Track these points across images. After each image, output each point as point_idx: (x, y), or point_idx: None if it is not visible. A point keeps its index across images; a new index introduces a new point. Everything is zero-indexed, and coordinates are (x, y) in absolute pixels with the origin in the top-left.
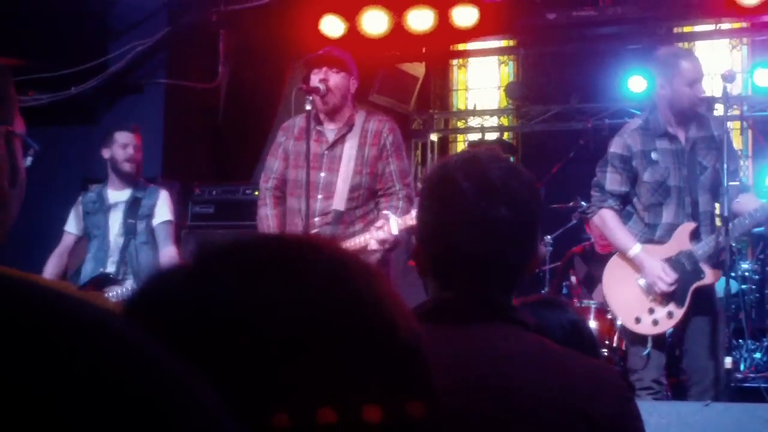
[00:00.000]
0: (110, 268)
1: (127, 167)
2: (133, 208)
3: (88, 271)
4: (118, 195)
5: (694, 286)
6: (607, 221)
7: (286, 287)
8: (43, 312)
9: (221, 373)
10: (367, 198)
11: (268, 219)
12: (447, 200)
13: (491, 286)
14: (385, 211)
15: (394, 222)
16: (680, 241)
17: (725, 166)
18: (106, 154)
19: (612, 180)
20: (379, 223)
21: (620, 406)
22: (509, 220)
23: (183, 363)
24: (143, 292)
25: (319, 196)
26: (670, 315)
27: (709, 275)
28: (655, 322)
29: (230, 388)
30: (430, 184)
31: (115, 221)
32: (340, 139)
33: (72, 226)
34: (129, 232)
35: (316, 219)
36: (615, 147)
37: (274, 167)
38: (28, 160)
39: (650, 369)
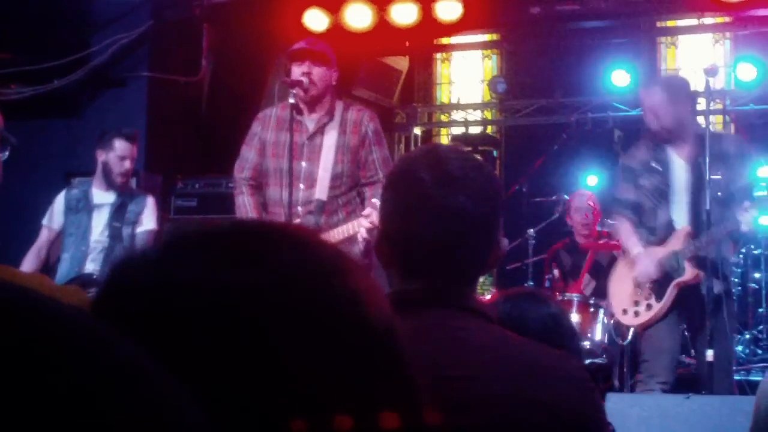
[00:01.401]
0: (88, 268)
1: (119, 179)
2: (119, 212)
3: (64, 270)
4: (103, 196)
5: (675, 282)
6: (619, 228)
7: (265, 280)
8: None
9: (183, 362)
10: (350, 187)
11: (246, 206)
12: (407, 189)
13: (451, 277)
14: (373, 200)
15: None
16: (675, 242)
17: (707, 168)
18: (100, 156)
19: (623, 189)
20: (366, 212)
21: (582, 397)
22: (467, 209)
23: (148, 357)
24: (113, 277)
25: (301, 186)
26: (648, 307)
27: (688, 272)
28: (636, 314)
29: (189, 377)
30: (392, 176)
31: (99, 222)
32: (320, 129)
33: (51, 221)
34: (115, 236)
35: (299, 208)
36: (624, 158)
37: (249, 158)
38: (5, 154)
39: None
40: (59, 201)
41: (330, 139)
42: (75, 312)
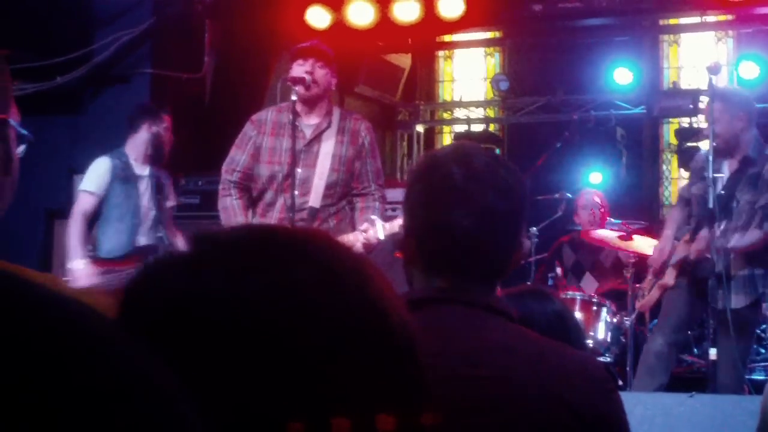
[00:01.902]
0: (140, 242)
1: (164, 150)
2: (159, 185)
3: (120, 241)
4: (141, 168)
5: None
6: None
7: (281, 283)
8: (20, 308)
9: (203, 368)
10: (341, 196)
11: (234, 209)
12: (435, 184)
13: (474, 275)
14: (373, 216)
15: (380, 226)
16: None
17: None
18: (149, 129)
19: (684, 187)
20: (364, 227)
21: (603, 397)
22: (495, 206)
23: (156, 363)
24: (138, 283)
25: (296, 192)
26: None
27: (666, 276)
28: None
29: (205, 385)
30: (419, 172)
31: (144, 194)
32: (318, 137)
33: (96, 186)
34: (158, 208)
35: (291, 214)
36: (692, 161)
37: (240, 160)
38: (21, 150)
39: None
40: (104, 169)
41: (327, 147)
42: (89, 314)
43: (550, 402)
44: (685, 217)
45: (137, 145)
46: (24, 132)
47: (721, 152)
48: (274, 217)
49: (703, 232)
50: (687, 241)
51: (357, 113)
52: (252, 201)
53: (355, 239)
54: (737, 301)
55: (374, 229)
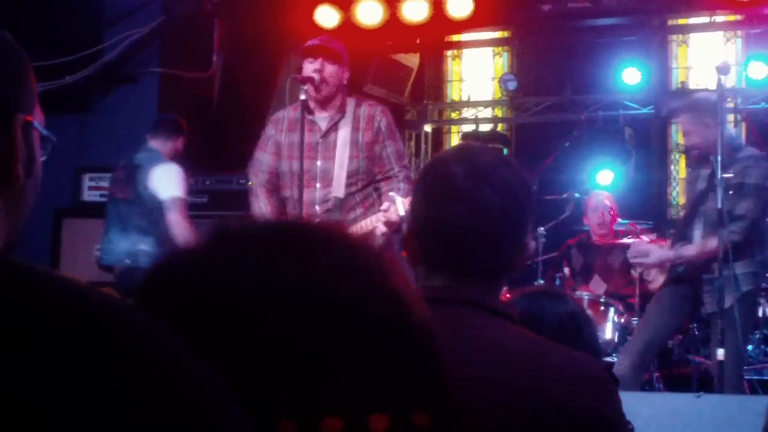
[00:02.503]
0: None
1: None
2: None
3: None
4: None
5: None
6: None
7: (301, 278)
8: (43, 299)
9: (227, 363)
10: (366, 183)
11: (262, 212)
12: (438, 182)
13: (475, 275)
14: (391, 193)
15: (401, 203)
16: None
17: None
18: (181, 143)
19: None
20: (384, 206)
21: (600, 398)
22: (495, 203)
23: (193, 354)
24: (157, 273)
25: (318, 185)
26: None
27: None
28: None
29: (235, 380)
30: (425, 171)
31: None
32: (333, 127)
33: (185, 192)
34: None
35: (317, 207)
36: None
37: (264, 161)
38: (46, 152)
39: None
40: (182, 175)
41: (343, 136)
42: (123, 306)
43: (547, 404)
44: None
45: (169, 151)
46: (47, 134)
47: (699, 160)
48: (302, 213)
49: (697, 234)
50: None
51: (371, 100)
52: (282, 201)
53: (377, 220)
54: (722, 302)
55: (395, 206)
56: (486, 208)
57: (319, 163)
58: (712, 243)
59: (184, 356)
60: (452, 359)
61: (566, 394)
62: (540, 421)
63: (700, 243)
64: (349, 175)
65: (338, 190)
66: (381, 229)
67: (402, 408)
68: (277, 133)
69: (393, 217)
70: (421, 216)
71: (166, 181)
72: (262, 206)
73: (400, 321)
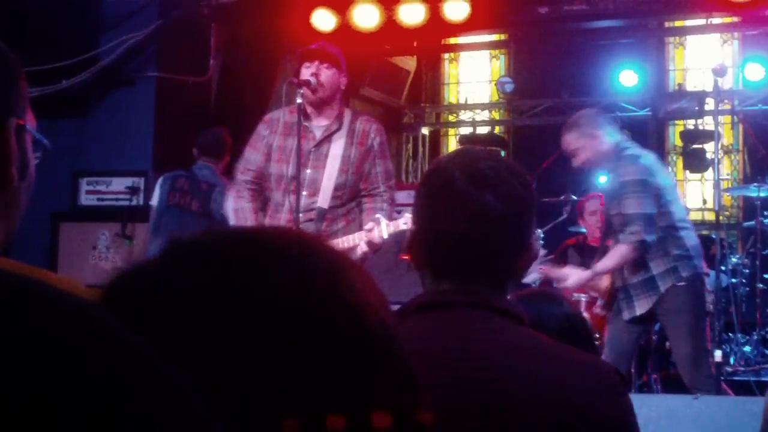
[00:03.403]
0: None
1: None
2: None
3: None
4: None
5: None
6: None
7: (261, 285)
8: (18, 302)
9: (193, 371)
10: (350, 197)
11: (245, 212)
12: (439, 187)
13: (480, 278)
14: (377, 215)
15: (385, 226)
16: None
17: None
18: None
19: None
20: (368, 226)
21: (614, 401)
22: (497, 208)
23: (163, 356)
24: (112, 287)
25: (304, 193)
26: None
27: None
28: None
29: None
30: (426, 176)
31: None
32: (327, 138)
33: None
34: None
35: (300, 215)
36: None
37: (253, 160)
38: (38, 156)
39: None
40: None
41: (336, 149)
42: (90, 306)
43: (559, 405)
44: None
45: (223, 169)
46: (40, 137)
47: (597, 168)
48: (282, 218)
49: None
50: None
51: (368, 115)
52: (264, 202)
53: (359, 238)
54: (641, 307)
55: (379, 228)
56: (488, 214)
57: (308, 171)
58: (622, 248)
59: (152, 354)
60: (465, 362)
61: (581, 396)
62: (555, 423)
63: (611, 253)
64: (336, 188)
65: (324, 201)
66: (362, 248)
67: (402, 406)
68: (271, 134)
69: (375, 239)
70: (423, 223)
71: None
72: (246, 208)
73: (358, 322)
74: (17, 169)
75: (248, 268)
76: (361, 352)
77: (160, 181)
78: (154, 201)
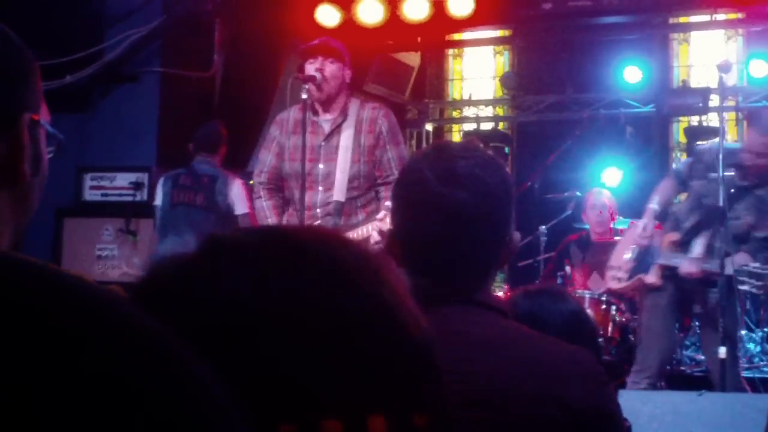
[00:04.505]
0: None
1: None
2: None
3: None
4: None
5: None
6: None
7: (299, 289)
8: (46, 296)
9: (227, 374)
10: (367, 187)
11: (264, 210)
12: (410, 187)
13: (459, 273)
14: (387, 203)
15: None
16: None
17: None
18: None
19: None
20: (380, 215)
21: (596, 391)
22: (468, 206)
23: (193, 351)
24: (147, 283)
25: (320, 188)
26: (621, 279)
27: (651, 276)
28: (617, 279)
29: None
30: (401, 174)
31: None
32: (336, 130)
33: None
34: None
35: (318, 210)
36: None
37: (267, 161)
38: (51, 151)
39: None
40: None
41: (346, 140)
42: (122, 301)
43: (543, 396)
44: (673, 194)
45: (220, 162)
46: (54, 132)
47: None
48: (304, 215)
49: (698, 248)
50: (674, 242)
51: (375, 102)
52: (285, 200)
53: (372, 228)
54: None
55: (390, 216)
56: (461, 213)
57: (321, 166)
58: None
59: (188, 357)
60: (448, 355)
61: (562, 386)
62: (536, 413)
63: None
64: (351, 179)
65: (339, 194)
66: (375, 237)
67: (400, 410)
68: (282, 134)
69: (386, 228)
70: (399, 224)
71: (242, 198)
72: (264, 206)
73: (396, 329)
74: (30, 165)
75: (288, 270)
76: (373, 355)
77: (161, 181)
78: (158, 201)
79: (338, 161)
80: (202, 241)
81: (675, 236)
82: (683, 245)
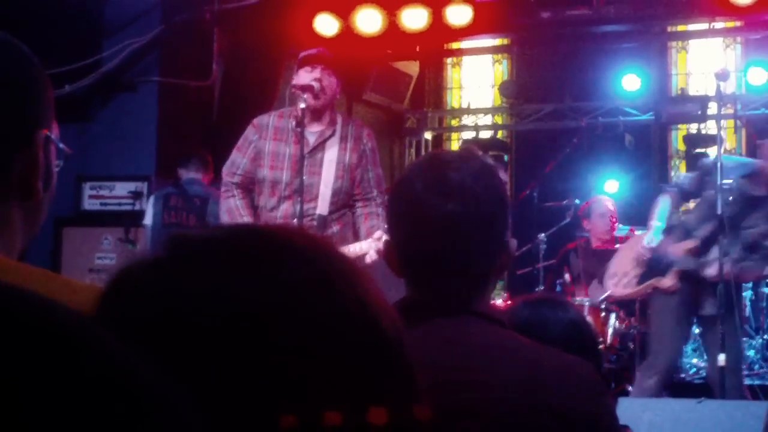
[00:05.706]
0: None
1: None
2: None
3: None
4: None
5: (652, 280)
6: None
7: (267, 284)
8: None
9: (191, 368)
10: (344, 203)
11: (239, 208)
12: (401, 198)
13: (457, 283)
14: (386, 224)
15: None
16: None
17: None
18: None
19: None
20: (377, 235)
21: (593, 402)
22: (459, 216)
23: (151, 365)
24: (115, 286)
25: (299, 199)
26: (629, 284)
27: (668, 280)
28: (622, 284)
29: (194, 383)
30: (392, 191)
31: None
32: (321, 144)
33: None
34: None
35: (295, 221)
36: None
37: (242, 164)
38: (58, 165)
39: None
40: None
41: (331, 155)
42: (75, 318)
43: (541, 407)
44: (675, 208)
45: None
46: (64, 147)
47: None
48: (276, 222)
49: (715, 253)
50: (691, 249)
51: (359, 120)
52: (254, 204)
53: (368, 247)
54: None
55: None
56: (453, 225)
57: (304, 177)
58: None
59: (136, 366)
60: (446, 365)
61: (560, 397)
62: (534, 424)
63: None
64: (333, 194)
65: (323, 207)
66: (372, 256)
67: (399, 402)
68: (260, 139)
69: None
70: (394, 236)
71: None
72: (238, 204)
73: (372, 320)
74: (42, 180)
75: (259, 266)
76: (367, 350)
77: (152, 200)
78: (148, 220)
79: (323, 175)
80: (168, 240)
81: (692, 243)
82: (700, 252)
